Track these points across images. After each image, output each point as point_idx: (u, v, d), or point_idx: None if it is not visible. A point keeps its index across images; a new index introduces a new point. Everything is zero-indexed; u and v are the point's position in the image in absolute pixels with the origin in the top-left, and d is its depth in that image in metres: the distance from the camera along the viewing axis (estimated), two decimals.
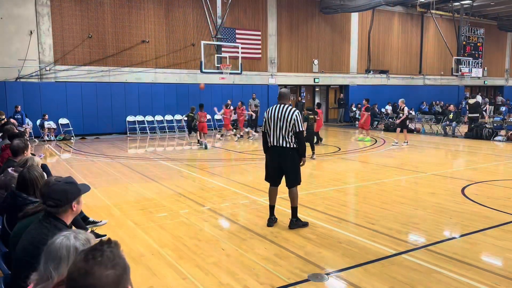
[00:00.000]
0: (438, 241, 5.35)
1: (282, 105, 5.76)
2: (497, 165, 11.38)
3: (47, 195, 2.58)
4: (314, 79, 24.79)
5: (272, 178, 5.99)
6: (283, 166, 5.79)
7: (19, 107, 15.99)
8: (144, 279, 4.27)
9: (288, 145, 5.69)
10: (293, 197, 5.86)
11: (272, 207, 6.05)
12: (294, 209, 5.86)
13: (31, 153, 5.79)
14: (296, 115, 5.63)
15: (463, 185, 8.63)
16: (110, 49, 18.71)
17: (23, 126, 15.32)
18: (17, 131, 7.99)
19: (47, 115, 17.00)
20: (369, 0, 22.20)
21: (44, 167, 5.49)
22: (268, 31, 22.86)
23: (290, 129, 5.64)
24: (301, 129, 5.64)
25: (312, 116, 12.46)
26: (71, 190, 2.64)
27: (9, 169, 4.50)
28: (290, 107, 5.73)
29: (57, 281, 1.80)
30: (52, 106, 17.45)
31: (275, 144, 5.75)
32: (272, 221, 5.98)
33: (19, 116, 15.80)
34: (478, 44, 32.57)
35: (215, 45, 18.06)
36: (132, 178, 9.76)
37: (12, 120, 14.73)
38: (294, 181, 5.85)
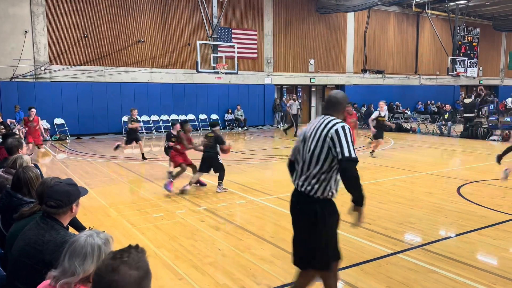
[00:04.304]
0: (434, 241, 5.37)
1: (326, 117, 3.26)
2: (492, 164, 11.41)
3: (49, 195, 2.57)
4: (310, 79, 24.82)
5: (294, 252, 3.50)
6: (297, 230, 3.40)
7: (18, 107, 16.06)
8: None
9: (311, 191, 3.19)
10: None
11: None
12: None
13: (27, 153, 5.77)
14: (337, 130, 3.09)
15: (458, 184, 8.67)
16: (106, 49, 18.65)
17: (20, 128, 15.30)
18: (9, 131, 7.97)
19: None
20: (365, 0, 22.25)
21: (35, 166, 5.46)
22: (264, 31, 22.86)
23: (323, 158, 3.14)
24: (350, 155, 3.01)
25: (212, 135, 8.04)
26: (73, 192, 2.64)
27: None
28: (334, 119, 3.20)
29: (82, 276, 1.91)
30: (47, 106, 17.37)
31: (295, 185, 3.36)
32: None
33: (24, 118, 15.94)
34: (474, 44, 32.70)
35: (211, 45, 18.04)
36: (128, 178, 9.74)
37: (9, 120, 14.73)
38: (320, 261, 3.29)
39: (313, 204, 3.19)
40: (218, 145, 7.92)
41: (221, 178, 8.05)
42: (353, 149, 3.05)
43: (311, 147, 3.19)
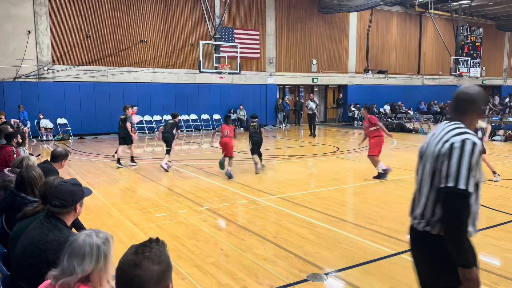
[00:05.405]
0: None
1: (448, 125, 2.42)
2: (495, 164, 11.38)
3: (53, 194, 2.58)
4: (313, 79, 24.80)
5: None
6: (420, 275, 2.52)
7: (22, 106, 16.19)
8: None
9: (425, 226, 2.36)
10: None
11: None
12: None
13: (29, 153, 5.81)
14: (453, 145, 2.25)
15: None
16: (108, 49, 18.69)
17: (23, 127, 15.38)
18: (12, 130, 8.00)
19: (41, 115, 16.96)
20: (367, 0, 22.22)
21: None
22: (266, 31, 22.86)
23: (437, 181, 2.30)
24: (456, 185, 2.17)
25: (255, 124, 10.15)
26: (77, 192, 2.65)
27: (5, 170, 4.52)
28: (458, 128, 2.34)
29: (80, 276, 1.89)
30: (50, 106, 17.43)
31: (410, 219, 2.54)
32: None
33: (26, 119, 16.18)
34: (477, 44, 32.62)
35: (213, 45, 18.05)
36: (130, 178, 9.76)
37: (13, 120, 14.80)
38: None
39: (432, 243, 2.33)
40: (261, 130, 9.93)
41: (261, 156, 10.18)
42: (467, 177, 2.15)
43: (426, 166, 2.41)
